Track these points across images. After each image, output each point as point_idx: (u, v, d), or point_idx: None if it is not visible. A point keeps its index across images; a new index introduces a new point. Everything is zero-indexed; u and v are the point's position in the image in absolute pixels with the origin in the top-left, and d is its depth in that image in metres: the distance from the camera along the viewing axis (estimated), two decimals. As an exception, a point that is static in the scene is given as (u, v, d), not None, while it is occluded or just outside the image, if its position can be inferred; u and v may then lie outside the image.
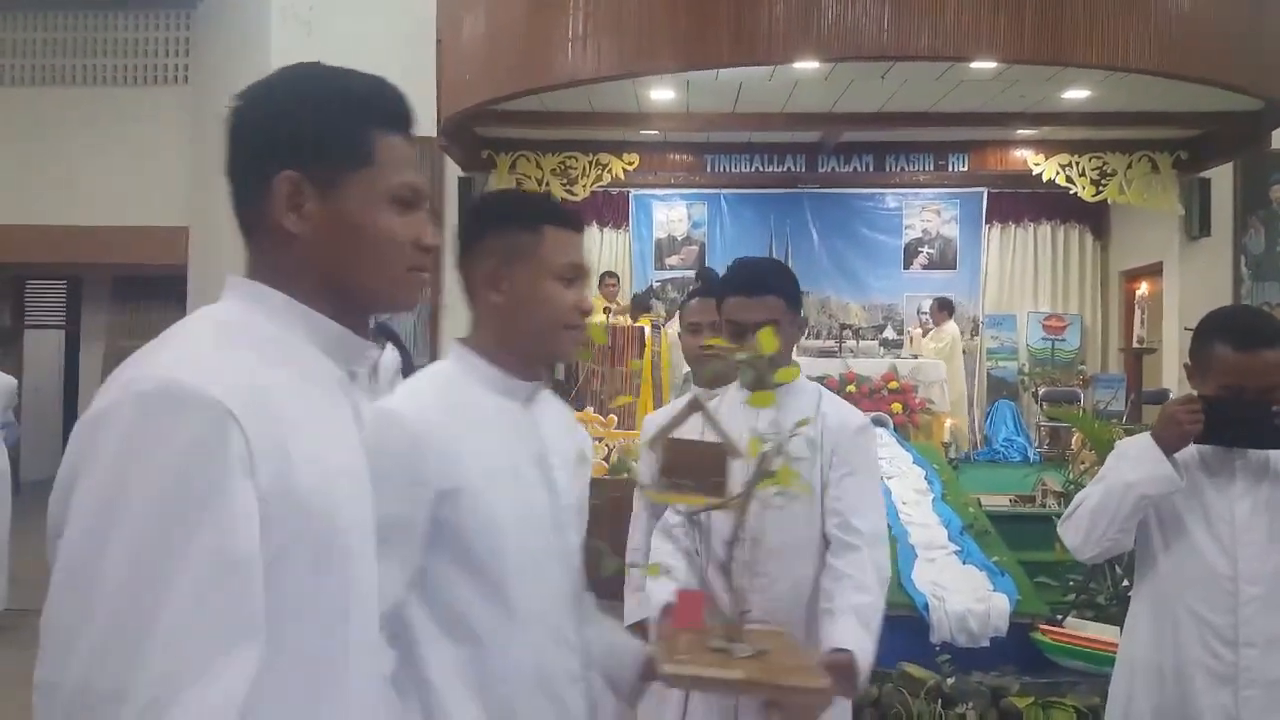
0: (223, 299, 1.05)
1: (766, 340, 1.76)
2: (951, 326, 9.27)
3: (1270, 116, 7.21)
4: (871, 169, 8.77)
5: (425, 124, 7.90)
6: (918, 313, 9.91)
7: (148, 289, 10.14)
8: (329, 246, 1.02)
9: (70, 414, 10.83)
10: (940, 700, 3.55)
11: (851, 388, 7.53)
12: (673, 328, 8.92)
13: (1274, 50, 6.74)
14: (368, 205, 1.04)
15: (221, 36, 9.34)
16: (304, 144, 1.03)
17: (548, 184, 8.38)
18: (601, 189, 8.83)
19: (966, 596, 4.13)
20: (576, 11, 6.42)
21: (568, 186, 8.40)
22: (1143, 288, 6.66)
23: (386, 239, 1.05)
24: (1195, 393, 2.20)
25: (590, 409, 7.13)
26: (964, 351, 9.43)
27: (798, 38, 5.88)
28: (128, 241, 9.41)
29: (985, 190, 9.87)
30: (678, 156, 8.79)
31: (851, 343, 9.42)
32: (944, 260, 10.21)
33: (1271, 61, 6.74)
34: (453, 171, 8.49)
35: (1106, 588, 4.30)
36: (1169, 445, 2.13)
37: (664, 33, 6.22)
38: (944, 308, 9.28)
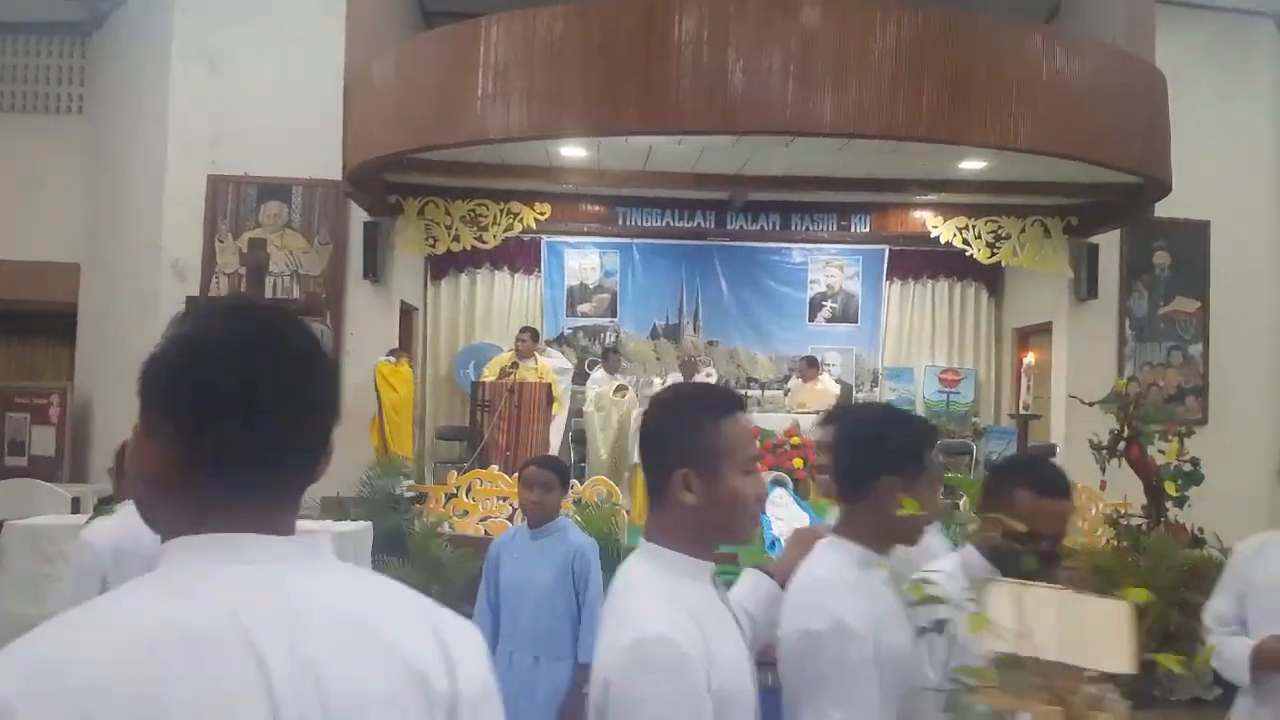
0: None
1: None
2: (830, 383, 9.36)
3: (1152, 190, 7.61)
4: (778, 227, 8.96)
5: (331, 168, 7.79)
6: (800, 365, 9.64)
7: (34, 326, 9.70)
8: None
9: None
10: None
11: (757, 442, 7.60)
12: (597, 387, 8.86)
13: (1152, 132, 7.13)
14: None
15: (119, 67, 9.01)
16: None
17: (457, 231, 8.28)
18: (513, 235, 8.77)
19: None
20: (487, 70, 6.40)
21: (478, 234, 8.32)
22: (1029, 357, 6.93)
23: None
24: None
25: (495, 467, 7.05)
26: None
27: (704, 110, 5.98)
28: (15, 276, 9.00)
29: (886, 248, 10.16)
30: (590, 208, 8.80)
31: (756, 393, 9.56)
32: (846, 314, 10.46)
33: (1150, 142, 7.13)
34: (358, 216, 8.34)
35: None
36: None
37: (574, 98, 6.25)
38: (812, 365, 9.36)
